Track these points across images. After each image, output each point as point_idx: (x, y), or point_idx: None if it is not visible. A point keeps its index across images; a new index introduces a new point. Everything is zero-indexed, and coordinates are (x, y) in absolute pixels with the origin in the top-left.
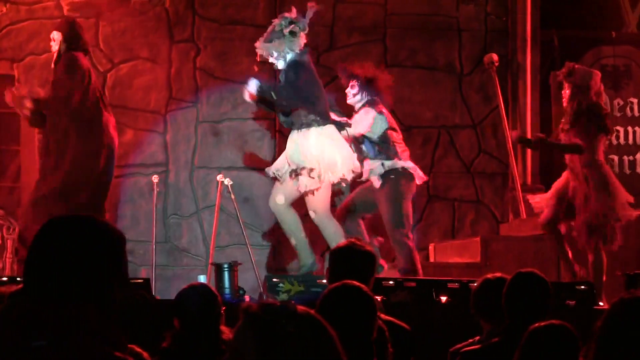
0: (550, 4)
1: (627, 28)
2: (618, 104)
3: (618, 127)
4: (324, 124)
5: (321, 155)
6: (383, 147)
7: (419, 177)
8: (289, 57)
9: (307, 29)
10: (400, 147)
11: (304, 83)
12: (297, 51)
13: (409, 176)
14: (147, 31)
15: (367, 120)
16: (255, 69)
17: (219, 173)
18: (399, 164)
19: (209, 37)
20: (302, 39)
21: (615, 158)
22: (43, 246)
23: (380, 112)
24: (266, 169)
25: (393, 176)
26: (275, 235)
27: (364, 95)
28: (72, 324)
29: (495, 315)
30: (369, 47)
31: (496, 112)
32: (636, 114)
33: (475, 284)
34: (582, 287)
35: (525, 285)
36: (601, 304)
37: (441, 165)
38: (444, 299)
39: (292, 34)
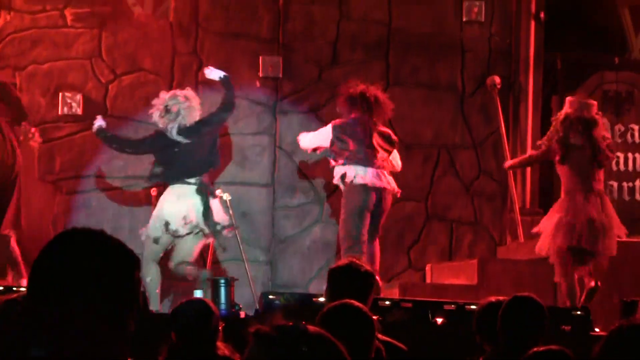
0: (554, 26)
1: (631, 54)
2: (619, 130)
3: (618, 153)
4: None
5: None
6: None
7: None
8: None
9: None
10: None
11: None
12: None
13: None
14: (150, 43)
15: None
16: (257, 84)
17: (218, 188)
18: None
19: (212, 50)
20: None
21: (615, 184)
22: (53, 255)
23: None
24: None
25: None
26: (273, 251)
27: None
28: (74, 335)
29: (497, 338)
30: (372, 64)
31: (497, 133)
32: (637, 140)
33: (478, 306)
34: (578, 312)
35: (521, 309)
36: (597, 329)
37: (440, 185)
38: (440, 320)
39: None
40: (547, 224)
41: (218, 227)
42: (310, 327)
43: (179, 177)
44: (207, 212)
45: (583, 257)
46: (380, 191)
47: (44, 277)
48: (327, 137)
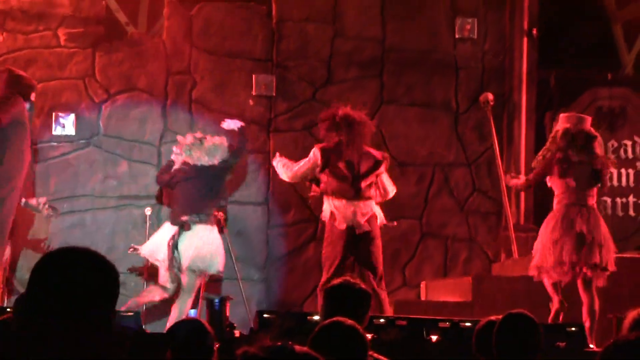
0: (547, 43)
1: (624, 70)
2: (612, 145)
3: (611, 169)
4: None
5: None
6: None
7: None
8: None
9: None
10: None
11: None
12: None
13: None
14: (144, 62)
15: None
16: (251, 102)
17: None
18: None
19: (206, 69)
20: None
21: (608, 200)
22: (45, 272)
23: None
24: None
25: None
26: (267, 269)
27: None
28: (75, 341)
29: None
30: (366, 82)
31: (491, 150)
32: (630, 156)
33: (478, 325)
34: (573, 328)
35: (515, 326)
36: (592, 346)
37: (435, 203)
38: (434, 337)
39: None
40: (538, 245)
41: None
42: (297, 347)
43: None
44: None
45: (577, 272)
46: (356, 230)
47: (38, 291)
48: (315, 163)
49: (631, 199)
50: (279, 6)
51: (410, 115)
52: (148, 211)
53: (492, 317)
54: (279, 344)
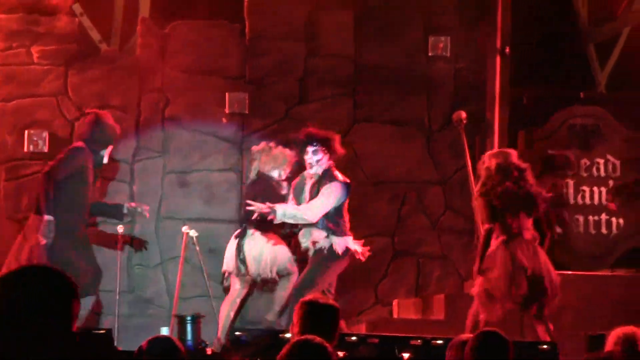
0: (521, 62)
1: (597, 88)
2: (585, 164)
3: (584, 187)
4: None
5: None
6: (336, 222)
7: (360, 255)
8: None
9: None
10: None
11: None
12: None
13: (348, 257)
14: (117, 80)
15: (338, 191)
16: (224, 120)
17: (185, 224)
18: (349, 243)
19: (179, 86)
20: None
21: (581, 218)
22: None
23: (345, 182)
24: None
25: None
26: None
27: (326, 160)
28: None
29: None
30: (340, 101)
31: (464, 169)
32: (602, 174)
33: (449, 344)
34: (545, 347)
35: (487, 344)
36: None
37: (407, 222)
38: (406, 355)
39: None
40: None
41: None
42: None
43: None
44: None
45: (526, 304)
46: None
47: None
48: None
49: (603, 216)
50: (252, 24)
51: (384, 133)
52: (120, 229)
53: (464, 336)
54: None
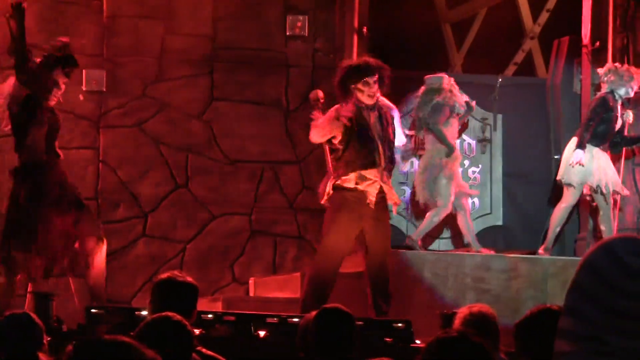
0: (377, 42)
1: (453, 69)
2: None
3: None
4: None
5: None
6: None
7: None
8: None
9: None
10: None
11: None
12: None
13: None
14: None
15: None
16: (81, 97)
17: None
18: None
19: None
20: None
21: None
22: None
23: None
24: None
25: None
26: None
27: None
28: None
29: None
30: (198, 80)
31: (321, 148)
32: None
33: (301, 321)
34: (400, 324)
35: (329, 320)
36: (418, 342)
37: (265, 201)
38: (262, 333)
39: None
40: None
41: None
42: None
43: None
44: None
45: None
46: None
47: None
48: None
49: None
50: (110, 2)
51: (242, 112)
52: None
53: (313, 313)
54: (96, 338)
